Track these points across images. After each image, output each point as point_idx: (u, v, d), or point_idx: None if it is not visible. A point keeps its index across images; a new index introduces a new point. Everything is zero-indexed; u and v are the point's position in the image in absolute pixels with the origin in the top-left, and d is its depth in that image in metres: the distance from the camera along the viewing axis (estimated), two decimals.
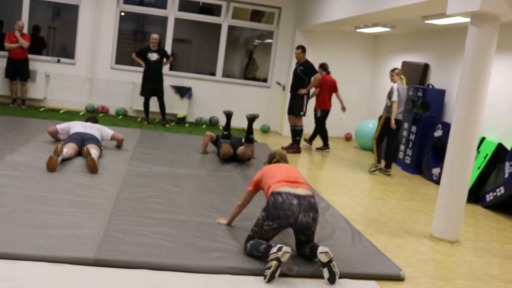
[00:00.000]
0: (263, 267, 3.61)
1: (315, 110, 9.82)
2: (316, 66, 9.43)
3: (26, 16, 10.68)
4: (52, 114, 9.81)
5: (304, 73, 9.07)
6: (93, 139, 6.56)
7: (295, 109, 9.20)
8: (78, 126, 6.85)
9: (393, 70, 8.18)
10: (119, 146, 7.28)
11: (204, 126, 10.99)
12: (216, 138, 7.73)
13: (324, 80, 9.60)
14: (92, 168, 5.77)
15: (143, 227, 4.27)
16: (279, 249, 3.51)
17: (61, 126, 7.03)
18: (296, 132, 9.22)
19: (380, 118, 8.19)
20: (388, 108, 8.00)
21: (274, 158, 4.46)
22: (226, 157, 7.27)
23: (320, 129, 9.85)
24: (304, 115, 9.21)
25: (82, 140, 6.48)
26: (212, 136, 7.77)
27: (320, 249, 3.61)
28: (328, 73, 9.81)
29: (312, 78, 9.03)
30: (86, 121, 7.31)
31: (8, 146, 6.56)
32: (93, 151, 6.09)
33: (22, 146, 6.68)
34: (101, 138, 6.92)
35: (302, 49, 9.13)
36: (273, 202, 3.77)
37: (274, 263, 3.50)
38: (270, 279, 3.52)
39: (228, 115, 7.42)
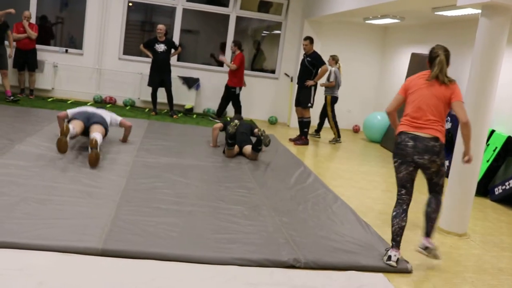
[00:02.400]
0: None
1: (235, 88, 10.25)
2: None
3: (34, 6, 10.69)
4: (60, 105, 9.83)
5: (311, 64, 9.03)
6: (100, 119, 6.39)
7: (303, 100, 9.17)
8: (88, 108, 6.71)
9: (333, 57, 9.79)
10: (125, 139, 7.10)
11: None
12: (224, 125, 7.60)
13: (244, 58, 10.28)
14: (93, 162, 5.55)
15: (151, 217, 4.28)
16: (388, 258, 3.95)
17: (71, 111, 6.72)
18: (304, 124, 9.19)
19: (326, 99, 9.83)
20: (328, 89, 9.74)
21: (434, 54, 4.02)
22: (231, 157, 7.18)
23: (238, 105, 10.40)
24: (311, 106, 9.19)
25: (88, 118, 6.31)
26: (220, 126, 7.66)
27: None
28: (242, 51, 10.26)
29: (320, 70, 9.00)
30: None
31: (17, 136, 6.58)
32: (98, 136, 5.88)
33: (30, 136, 6.69)
34: (109, 121, 6.74)
35: (310, 40, 9.10)
36: (396, 141, 4.04)
37: (386, 261, 3.96)
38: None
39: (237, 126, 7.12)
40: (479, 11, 4.96)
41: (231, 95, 10.34)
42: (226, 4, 11.39)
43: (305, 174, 6.60)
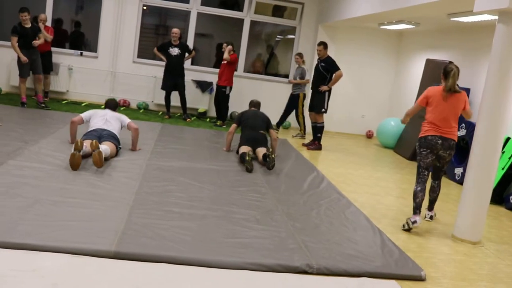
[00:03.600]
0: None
1: (225, 87, 10.19)
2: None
3: (50, 9, 10.78)
4: (74, 107, 9.89)
5: (325, 69, 9.01)
6: (110, 136, 6.31)
7: (317, 105, 9.15)
8: (98, 120, 6.53)
9: (300, 55, 10.19)
10: (134, 147, 6.83)
11: None
12: (238, 123, 7.60)
13: (236, 59, 10.40)
14: (97, 161, 5.50)
15: (163, 221, 4.28)
16: (414, 222, 5.04)
17: (84, 115, 6.68)
18: (317, 129, 9.17)
19: (299, 96, 10.11)
20: (301, 87, 10.14)
21: (448, 71, 5.07)
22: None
23: (226, 106, 10.41)
24: (325, 111, 9.16)
25: (99, 137, 6.20)
26: (235, 127, 7.60)
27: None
28: (234, 52, 10.25)
29: (334, 75, 8.97)
30: (105, 106, 6.93)
31: (31, 138, 6.63)
32: (103, 146, 5.88)
33: (44, 138, 6.74)
34: (120, 126, 6.66)
35: (324, 45, 9.08)
36: (424, 139, 5.18)
37: (406, 226, 5.08)
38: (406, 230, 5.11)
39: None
40: (496, 17, 4.91)
41: (220, 95, 10.25)
42: (240, 8, 11.42)
43: (318, 179, 6.57)
